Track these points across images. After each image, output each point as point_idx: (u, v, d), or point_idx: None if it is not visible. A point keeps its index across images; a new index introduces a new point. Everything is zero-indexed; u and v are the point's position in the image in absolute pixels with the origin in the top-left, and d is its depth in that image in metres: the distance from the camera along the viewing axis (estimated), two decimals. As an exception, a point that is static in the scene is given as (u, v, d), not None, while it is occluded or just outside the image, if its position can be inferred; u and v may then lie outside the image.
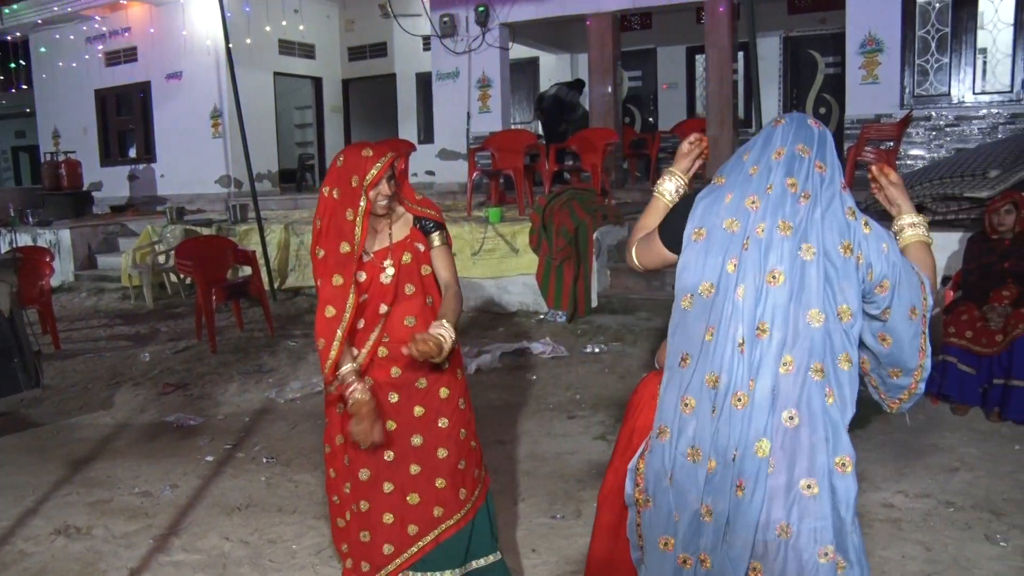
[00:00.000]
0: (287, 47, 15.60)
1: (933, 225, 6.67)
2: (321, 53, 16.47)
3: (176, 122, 15.08)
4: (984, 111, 9.56)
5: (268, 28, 14.48)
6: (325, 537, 3.80)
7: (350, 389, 2.68)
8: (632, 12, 12.59)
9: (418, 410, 2.84)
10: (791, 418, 2.01)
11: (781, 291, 2.02)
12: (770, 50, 13.28)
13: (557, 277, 7.89)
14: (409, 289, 2.84)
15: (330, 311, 2.68)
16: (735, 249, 2.08)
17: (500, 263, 8.33)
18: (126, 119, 16.30)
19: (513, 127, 13.63)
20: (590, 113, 11.83)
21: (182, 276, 9.70)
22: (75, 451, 5.22)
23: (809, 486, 1.99)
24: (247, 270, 8.58)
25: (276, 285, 9.25)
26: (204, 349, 7.53)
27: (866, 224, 2.09)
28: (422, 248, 2.86)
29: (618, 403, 5.52)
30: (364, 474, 2.83)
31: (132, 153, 16.36)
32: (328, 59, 16.68)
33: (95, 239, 12.03)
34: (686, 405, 2.13)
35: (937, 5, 9.89)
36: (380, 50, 16.46)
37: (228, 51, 9.22)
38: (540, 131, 12.98)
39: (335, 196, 2.70)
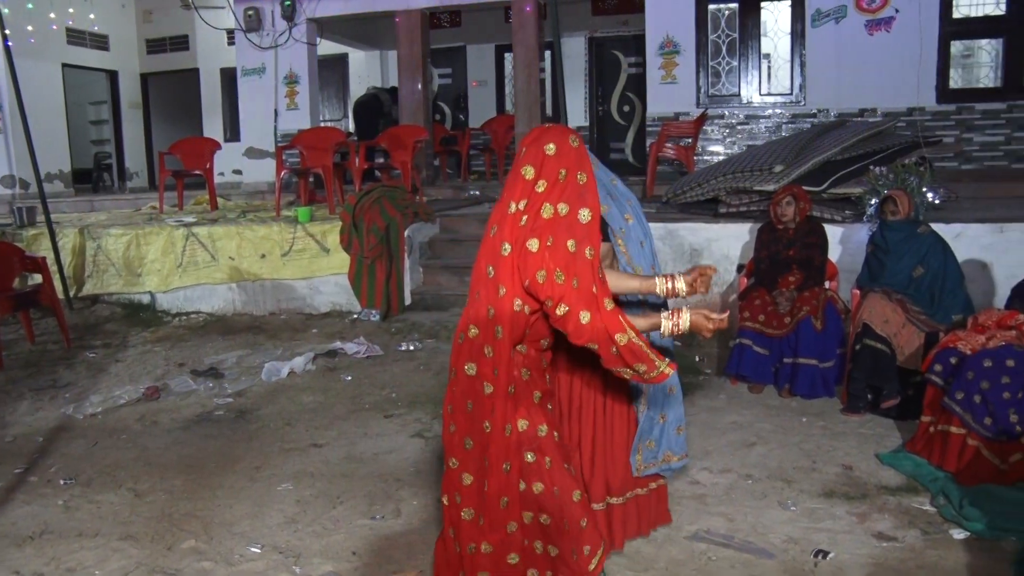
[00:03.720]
0: (77, 37, 14.56)
1: (728, 217, 7.13)
2: (116, 45, 15.50)
3: (-52, 117, 13.73)
4: (770, 111, 10.25)
5: (53, 15, 13.43)
6: (132, 559, 3.55)
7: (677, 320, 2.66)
8: (441, 10, 12.62)
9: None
10: None
11: None
12: (576, 50, 13.69)
13: (369, 276, 7.77)
14: None
15: (609, 304, 2.47)
16: None
17: (311, 263, 8.12)
18: None
19: (322, 124, 13.35)
20: (400, 110, 11.76)
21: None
22: None
23: None
24: (38, 278, 7.90)
25: (72, 293, 8.59)
26: (-14, 365, 6.88)
27: None
28: None
29: (434, 399, 5.50)
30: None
31: None
32: (124, 51, 15.72)
33: None
34: None
35: (726, 12, 10.51)
36: (181, 43, 15.68)
37: (5, 38, 8.47)
38: (351, 129, 12.78)
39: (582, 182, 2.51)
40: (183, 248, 8.33)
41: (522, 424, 2.59)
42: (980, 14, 9.81)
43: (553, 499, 2.61)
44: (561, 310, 2.43)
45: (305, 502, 4.07)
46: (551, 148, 2.48)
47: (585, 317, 2.44)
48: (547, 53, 11.55)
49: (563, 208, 2.45)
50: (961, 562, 3.32)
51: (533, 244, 2.42)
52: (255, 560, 3.52)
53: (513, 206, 2.47)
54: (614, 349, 2.47)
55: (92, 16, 14.57)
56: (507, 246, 2.45)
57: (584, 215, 2.47)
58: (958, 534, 3.53)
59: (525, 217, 2.46)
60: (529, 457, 2.61)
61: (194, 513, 3.98)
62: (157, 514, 3.98)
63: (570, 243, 2.42)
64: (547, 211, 2.45)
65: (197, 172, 10.25)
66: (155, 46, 15.93)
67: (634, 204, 3.28)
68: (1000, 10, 9.68)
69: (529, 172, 2.48)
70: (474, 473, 2.63)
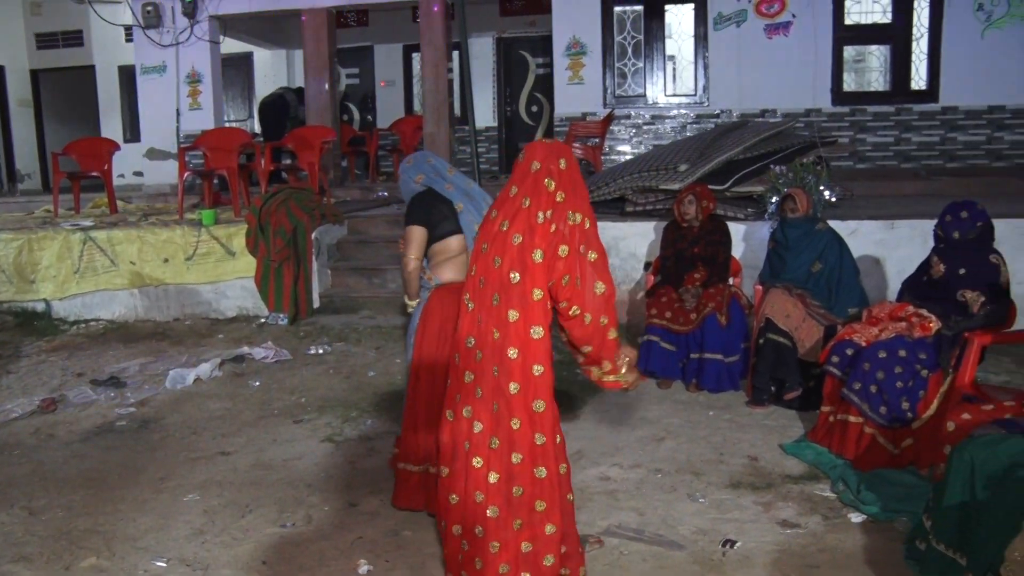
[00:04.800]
0: (-46, 29, 13.85)
1: (634, 216, 7.25)
2: (2, 39, 14.79)
3: None
4: (675, 111, 10.48)
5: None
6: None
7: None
8: (348, 9, 12.48)
9: None
10: None
11: None
12: (484, 50, 13.72)
13: (277, 279, 7.63)
14: None
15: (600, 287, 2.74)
16: None
17: (216, 267, 7.92)
18: None
19: (227, 125, 13.05)
20: (307, 110, 11.58)
21: None
22: None
23: None
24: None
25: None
26: None
27: None
28: None
29: (344, 403, 5.44)
30: None
31: None
32: (11, 46, 15.00)
33: None
34: None
35: (631, 14, 10.70)
36: (75, 39, 15.05)
37: None
38: (257, 129, 12.53)
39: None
40: (80, 253, 8.02)
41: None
42: (869, 21, 10.24)
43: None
44: (574, 311, 2.71)
45: (213, 512, 3.97)
46: (563, 163, 2.78)
47: (588, 319, 2.74)
48: (455, 53, 11.55)
49: (578, 217, 2.74)
50: (859, 544, 3.46)
51: (563, 251, 2.68)
52: (161, 575, 3.42)
53: (541, 215, 2.69)
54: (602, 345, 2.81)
55: (-28, 8, 13.89)
56: (539, 253, 2.66)
57: (587, 223, 2.77)
58: (856, 518, 3.68)
59: (554, 226, 2.70)
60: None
61: (95, 529, 3.83)
62: (54, 532, 3.82)
63: (581, 248, 2.71)
64: (572, 219, 2.73)
65: (95, 174, 9.88)
66: (46, 41, 15.26)
67: (489, 201, 3.60)
68: (887, 18, 10.12)
69: (551, 185, 2.73)
70: (501, 472, 2.75)
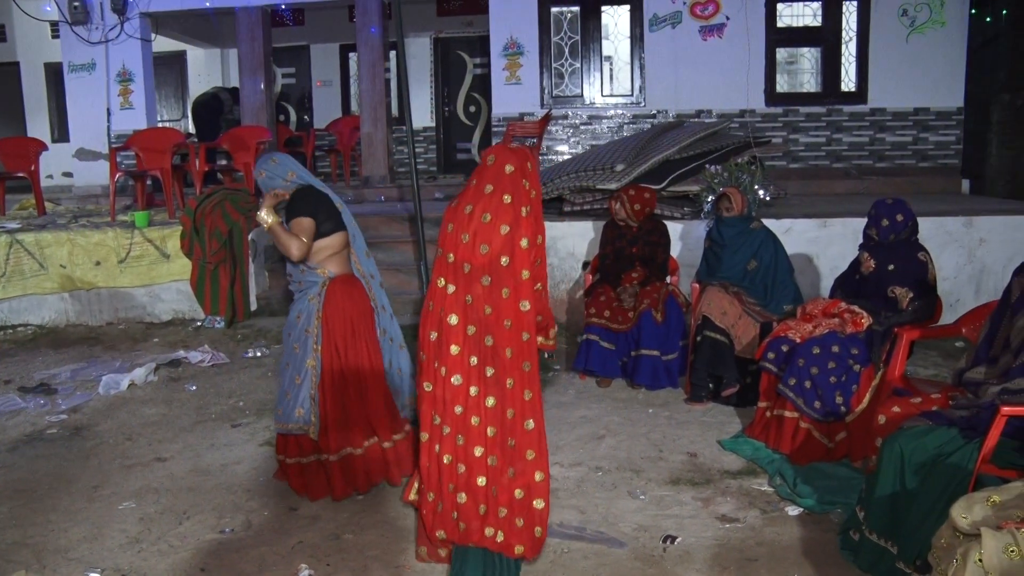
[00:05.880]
0: None
1: (572, 215, 7.30)
2: (-80, 34, 14.27)
3: None
4: (612, 112, 10.56)
5: None
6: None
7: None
8: (283, 7, 12.30)
9: None
10: None
11: None
12: (421, 50, 13.66)
13: (212, 281, 7.50)
14: None
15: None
16: None
17: (150, 270, 7.75)
18: None
19: (160, 125, 12.76)
20: (242, 110, 11.39)
21: None
22: None
23: None
24: None
25: None
26: None
27: None
28: None
29: (285, 406, 5.37)
30: None
31: None
32: (-71, 42, 14.48)
33: None
34: None
35: (568, 15, 10.75)
36: (-3, 34, 14.60)
37: None
38: (191, 129, 12.28)
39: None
40: (7, 256, 7.77)
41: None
42: (800, 24, 10.45)
43: None
44: (537, 287, 3.18)
45: (149, 520, 3.89)
46: (529, 165, 3.20)
47: (543, 294, 3.31)
48: (392, 53, 11.48)
49: (529, 210, 3.15)
50: (796, 536, 3.54)
51: (539, 239, 3.17)
52: (95, 585, 3.35)
53: (524, 210, 3.10)
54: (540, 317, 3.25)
55: None
56: (525, 241, 3.07)
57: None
58: (793, 511, 3.76)
59: (532, 218, 3.14)
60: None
61: (24, 541, 3.72)
62: (-19, 544, 3.71)
63: (538, 238, 3.17)
64: (535, 212, 3.17)
65: (21, 174, 9.59)
66: (-34, 36, 14.78)
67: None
68: (817, 22, 10.35)
69: (526, 184, 3.14)
70: (497, 426, 3.14)
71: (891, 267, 4.62)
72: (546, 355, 3.51)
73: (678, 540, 3.52)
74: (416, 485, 3.35)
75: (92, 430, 5.17)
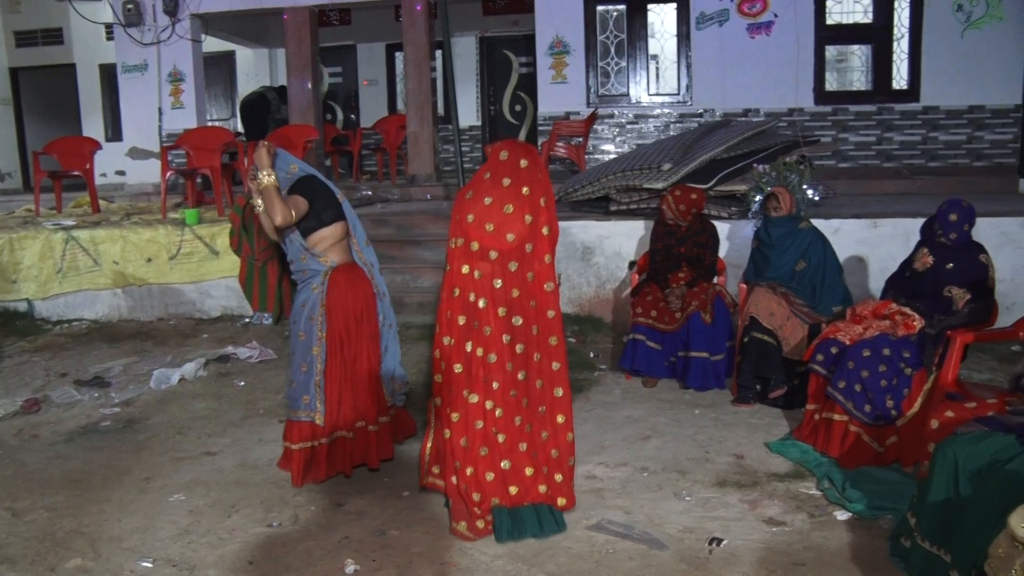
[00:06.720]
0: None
1: (618, 215, 7.27)
2: (-22, 36, 14.65)
3: None
4: (658, 111, 10.51)
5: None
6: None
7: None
8: (330, 7, 12.43)
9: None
10: None
11: None
12: (467, 49, 13.71)
13: (261, 278, 7.61)
14: None
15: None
16: None
17: (200, 266, 7.88)
18: None
19: (209, 124, 12.97)
20: (290, 109, 11.53)
21: None
22: None
23: None
24: None
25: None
26: None
27: None
28: None
29: (331, 402, 5.42)
30: None
31: None
32: (-11, 44, 14.87)
33: None
34: None
35: (614, 13, 10.72)
36: (55, 36, 14.93)
37: None
38: (239, 128, 12.46)
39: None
40: (63, 253, 7.96)
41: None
42: (850, 21, 10.30)
43: None
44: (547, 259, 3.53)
45: (199, 512, 3.96)
46: (538, 159, 3.53)
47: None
48: (438, 52, 11.53)
49: (546, 200, 3.50)
50: (844, 541, 3.49)
51: (557, 226, 3.53)
52: (146, 575, 3.41)
53: (542, 200, 3.44)
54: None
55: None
56: (547, 229, 3.45)
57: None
58: (841, 515, 3.70)
59: (549, 208, 3.48)
60: None
61: (79, 530, 3.81)
62: (38, 534, 3.79)
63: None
64: (550, 203, 3.51)
65: (76, 173, 9.82)
66: (25, 39, 15.13)
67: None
68: (868, 18, 10.19)
69: (540, 176, 3.46)
70: (529, 398, 3.54)
71: (949, 266, 4.53)
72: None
73: (724, 543, 3.49)
74: (433, 469, 3.64)
75: (144, 423, 5.28)
